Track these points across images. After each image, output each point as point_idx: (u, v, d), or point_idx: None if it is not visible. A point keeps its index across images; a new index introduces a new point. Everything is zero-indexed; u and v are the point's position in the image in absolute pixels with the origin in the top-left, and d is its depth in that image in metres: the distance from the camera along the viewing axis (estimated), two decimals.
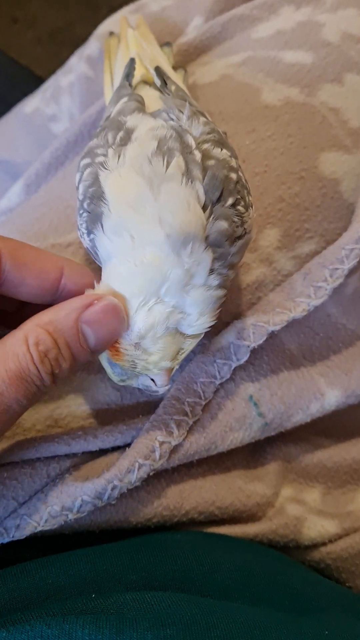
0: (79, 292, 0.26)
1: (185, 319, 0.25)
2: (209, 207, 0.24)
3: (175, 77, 0.34)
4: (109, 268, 0.25)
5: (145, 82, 0.32)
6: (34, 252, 0.26)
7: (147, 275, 0.24)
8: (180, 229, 0.23)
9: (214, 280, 0.25)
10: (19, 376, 0.22)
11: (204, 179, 0.24)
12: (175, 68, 0.37)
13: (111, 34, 0.40)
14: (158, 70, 0.31)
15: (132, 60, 0.32)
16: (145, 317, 0.24)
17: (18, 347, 0.23)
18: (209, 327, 0.25)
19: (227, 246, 0.25)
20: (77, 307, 0.24)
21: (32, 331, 0.23)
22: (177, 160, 0.24)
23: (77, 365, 0.24)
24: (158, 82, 0.31)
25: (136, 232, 0.24)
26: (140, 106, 0.29)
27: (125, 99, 0.29)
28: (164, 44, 0.39)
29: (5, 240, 0.25)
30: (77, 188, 0.27)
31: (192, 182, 0.24)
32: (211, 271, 0.24)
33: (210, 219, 0.24)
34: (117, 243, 0.24)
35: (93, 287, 0.25)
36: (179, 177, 0.24)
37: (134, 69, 0.32)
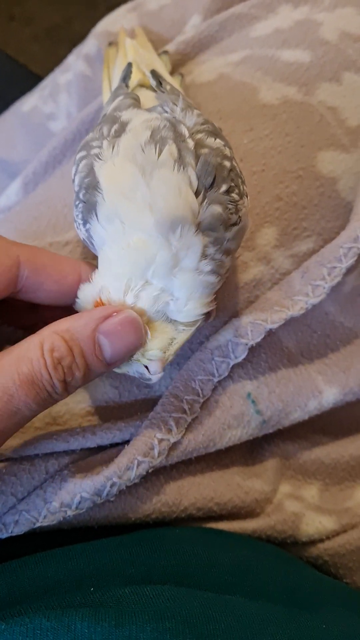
0: None
1: (175, 304, 0.25)
2: (202, 193, 0.24)
3: (172, 81, 0.34)
4: (101, 254, 0.25)
5: (142, 85, 0.33)
6: (50, 257, 0.26)
7: (132, 257, 0.24)
8: (168, 213, 0.23)
9: (207, 266, 0.24)
10: (30, 380, 0.22)
11: (196, 165, 0.24)
12: (172, 74, 0.38)
13: (110, 44, 0.40)
14: (154, 73, 0.32)
15: (129, 65, 0.33)
16: (134, 302, 0.24)
17: (32, 352, 0.23)
18: (201, 315, 0.25)
19: (222, 231, 0.25)
20: (96, 318, 0.24)
21: (48, 337, 0.23)
22: (170, 148, 0.24)
23: (91, 375, 0.24)
24: (154, 83, 0.31)
25: (127, 218, 0.24)
26: (136, 102, 0.29)
27: (121, 97, 0.29)
28: (162, 52, 0.39)
29: (22, 247, 0.26)
30: (73, 180, 0.27)
31: (184, 169, 0.24)
32: (205, 257, 0.24)
33: (204, 203, 0.24)
34: (109, 230, 0.25)
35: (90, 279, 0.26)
36: (171, 164, 0.24)
37: (130, 72, 0.32)
